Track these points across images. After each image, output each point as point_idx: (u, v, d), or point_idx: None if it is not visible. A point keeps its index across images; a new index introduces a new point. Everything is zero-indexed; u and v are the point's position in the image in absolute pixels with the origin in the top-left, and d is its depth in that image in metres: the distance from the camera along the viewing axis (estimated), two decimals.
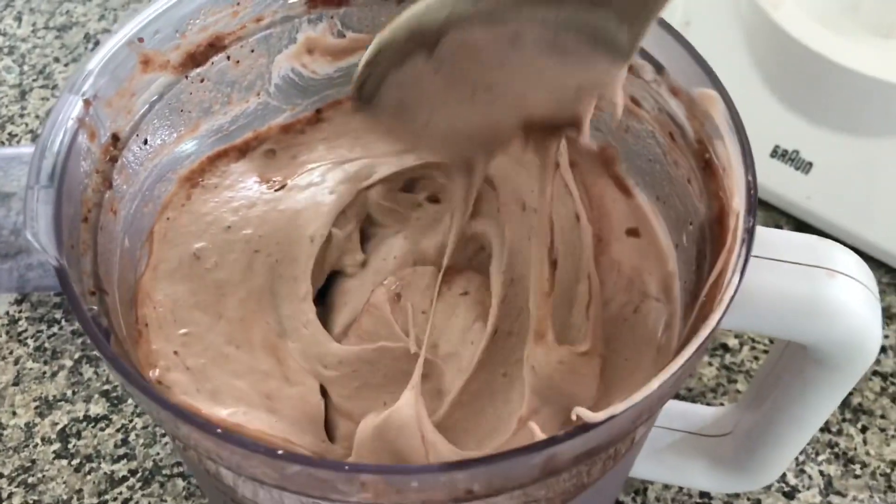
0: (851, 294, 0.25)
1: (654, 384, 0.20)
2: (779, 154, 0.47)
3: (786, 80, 0.47)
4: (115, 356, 0.21)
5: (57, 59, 0.57)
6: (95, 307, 0.24)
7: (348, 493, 0.20)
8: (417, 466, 0.19)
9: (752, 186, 0.24)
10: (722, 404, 0.41)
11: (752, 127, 0.46)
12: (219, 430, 0.20)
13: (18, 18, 0.59)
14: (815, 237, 0.26)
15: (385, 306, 0.29)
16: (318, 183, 0.32)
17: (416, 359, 0.28)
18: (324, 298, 0.32)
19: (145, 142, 0.30)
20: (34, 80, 0.55)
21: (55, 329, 0.44)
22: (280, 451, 0.19)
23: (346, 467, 0.19)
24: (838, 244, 0.26)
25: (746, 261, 0.23)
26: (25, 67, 0.56)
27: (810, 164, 0.47)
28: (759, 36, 0.48)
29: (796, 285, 0.25)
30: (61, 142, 0.26)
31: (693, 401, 0.42)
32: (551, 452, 0.20)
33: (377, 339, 0.29)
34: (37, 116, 0.54)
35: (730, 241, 0.24)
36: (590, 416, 0.20)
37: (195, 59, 0.30)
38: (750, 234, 0.23)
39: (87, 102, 0.27)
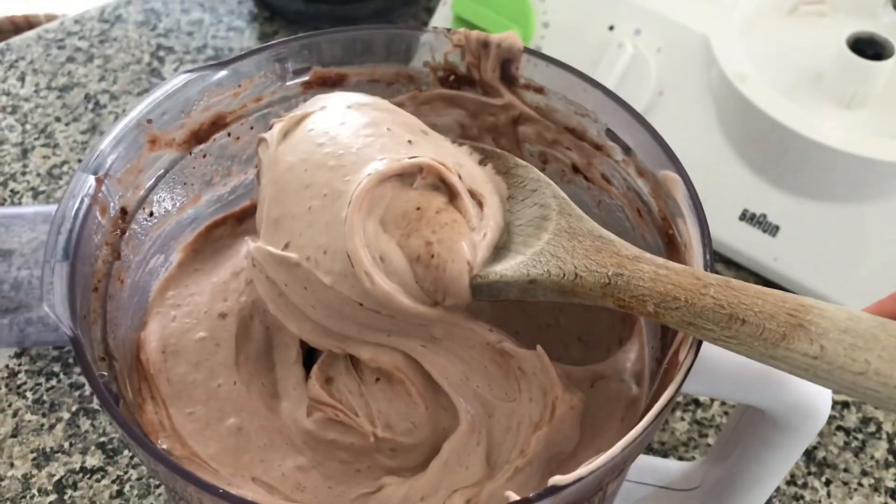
0: None
1: (618, 448, 0.22)
2: (747, 217, 0.50)
3: (753, 148, 0.50)
4: (126, 422, 0.23)
5: (58, 119, 0.59)
6: (105, 373, 0.26)
7: None
8: None
9: (708, 265, 0.27)
10: (693, 458, 0.43)
11: (722, 191, 0.49)
12: (220, 490, 0.21)
13: (22, 78, 0.62)
14: None
15: (322, 394, 0.30)
16: None
17: (368, 436, 0.29)
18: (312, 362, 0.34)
19: (151, 214, 0.32)
20: (35, 139, 0.58)
21: (53, 382, 0.46)
22: None
23: None
24: None
25: None
26: (28, 126, 0.59)
27: (777, 227, 0.49)
28: (728, 106, 0.50)
29: None
30: (74, 218, 0.28)
31: (665, 454, 0.44)
32: None
33: (333, 425, 0.30)
34: (38, 174, 0.56)
35: None
36: (559, 479, 0.22)
37: (198, 136, 0.33)
38: None
39: (98, 180, 0.29)
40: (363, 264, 0.27)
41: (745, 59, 0.49)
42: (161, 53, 0.64)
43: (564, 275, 0.27)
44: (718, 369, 0.27)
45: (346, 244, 0.27)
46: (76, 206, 0.28)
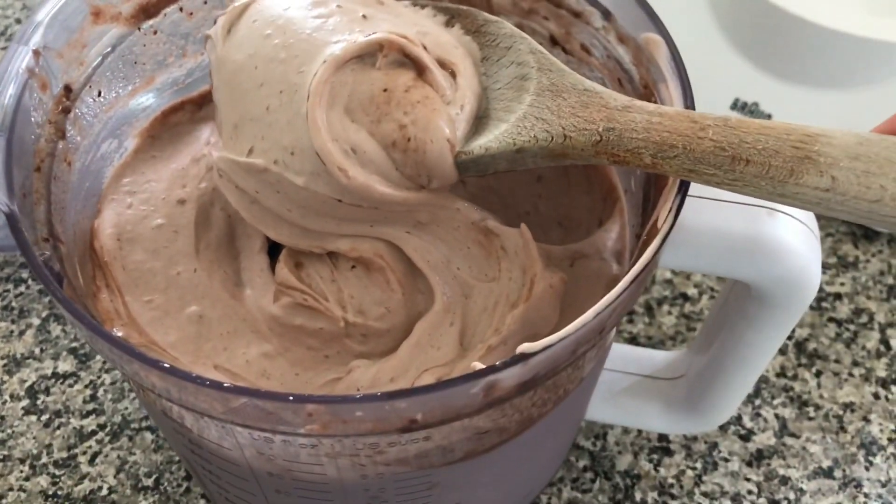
0: (791, 232, 0.26)
1: (591, 314, 0.21)
2: (738, 106, 0.48)
3: (746, 33, 0.48)
4: (67, 298, 0.22)
5: (19, 21, 0.56)
6: (48, 253, 0.24)
7: (296, 424, 0.21)
8: (361, 395, 0.20)
9: None
10: None
11: (713, 80, 0.47)
12: (166, 365, 0.20)
13: None
14: None
15: (290, 278, 0.29)
16: None
17: (338, 321, 0.28)
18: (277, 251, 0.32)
19: (99, 94, 0.30)
20: None
21: (22, 288, 0.45)
22: (226, 384, 0.20)
23: (291, 398, 0.20)
24: None
25: (683, 199, 0.24)
26: None
27: (769, 116, 0.47)
28: None
29: (737, 224, 0.26)
30: (12, 92, 0.26)
31: (653, 348, 0.43)
32: (491, 381, 0.21)
33: (301, 310, 0.29)
34: None
35: (670, 182, 0.25)
36: (528, 346, 0.21)
37: (147, 10, 0.31)
38: None
39: (36, 53, 0.27)
40: (334, 159, 0.25)
41: None
42: None
43: (553, 138, 0.25)
44: (701, 239, 0.26)
45: (312, 141, 0.25)
46: (12, 79, 0.26)
